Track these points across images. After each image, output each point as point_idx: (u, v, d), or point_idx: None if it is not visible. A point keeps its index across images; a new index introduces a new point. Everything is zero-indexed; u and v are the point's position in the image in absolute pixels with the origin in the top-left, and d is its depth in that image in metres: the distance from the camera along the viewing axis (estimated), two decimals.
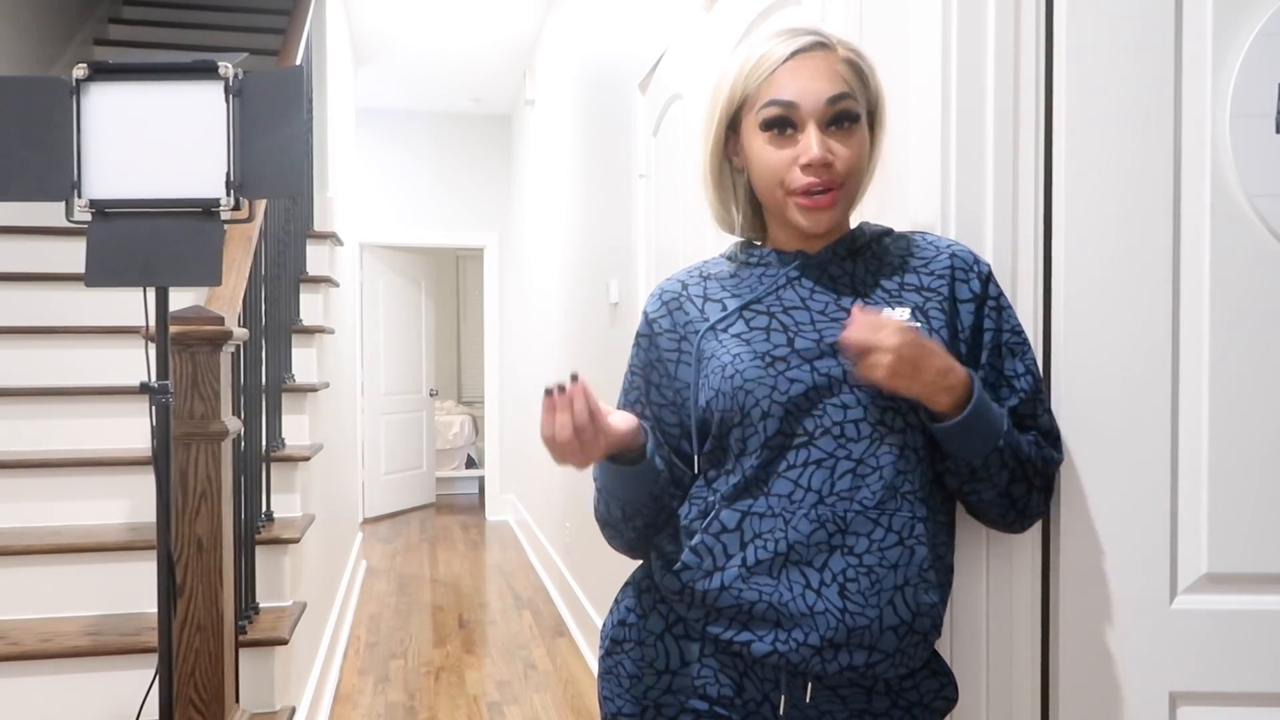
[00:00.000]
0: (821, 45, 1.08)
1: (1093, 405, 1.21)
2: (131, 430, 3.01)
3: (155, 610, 2.20)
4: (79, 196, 1.69)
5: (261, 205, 2.75)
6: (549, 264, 5.14)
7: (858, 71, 1.10)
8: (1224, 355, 1.20)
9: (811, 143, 1.06)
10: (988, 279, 1.14)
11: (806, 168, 1.06)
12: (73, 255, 3.40)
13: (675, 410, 1.17)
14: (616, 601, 1.23)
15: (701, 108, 1.18)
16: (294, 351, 3.28)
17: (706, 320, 1.15)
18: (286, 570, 2.70)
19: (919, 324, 1.09)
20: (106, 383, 3.06)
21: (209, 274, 1.72)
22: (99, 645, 2.31)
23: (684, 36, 2.50)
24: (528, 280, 6.01)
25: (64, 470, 2.76)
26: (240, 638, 2.34)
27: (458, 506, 7.87)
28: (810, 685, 1.09)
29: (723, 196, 1.19)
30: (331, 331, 3.86)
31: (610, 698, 1.19)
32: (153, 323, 1.77)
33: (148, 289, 1.77)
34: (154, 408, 1.75)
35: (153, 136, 1.69)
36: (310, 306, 3.60)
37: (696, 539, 1.10)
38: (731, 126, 1.14)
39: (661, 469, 1.14)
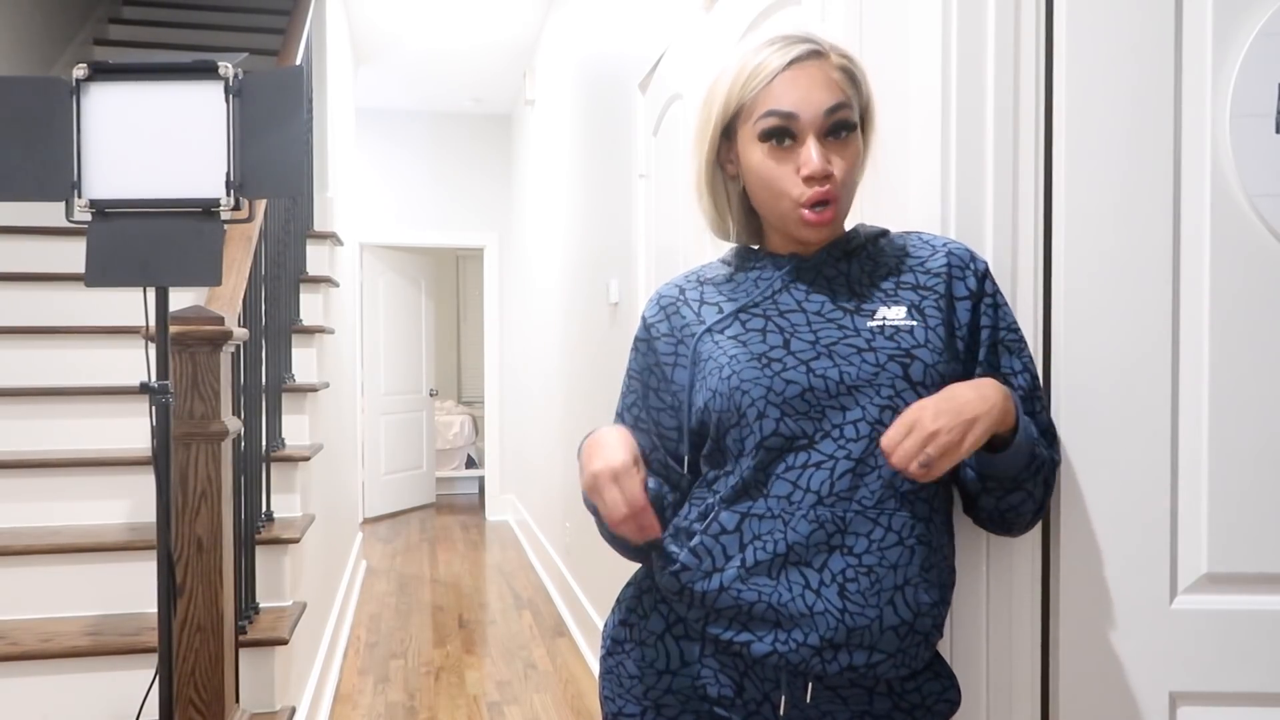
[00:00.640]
0: (817, 54, 1.08)
1: (1093, 405, 1.21)
2: (131, 430, 3.01)
3: (155, 610, 2.20)
4: (79, 196, 1.69)
5: (261, 205, 2.75)
6: (549, 264, 5.14)
7: (851, 77, 1.10)
8: (1224, 355, 1.20)
9: (812, 154, 1.06)
10: (984, 276, 1.14)
11: (809, 179, 1.06)
12: (73, 255, 3.40)
13: (673, 414, 1.17)
14: (618, 602, 1.23)
15: (694, 115, 1.18)
16: (294, 351, 3.28)
17: (703, 323, 1.15)
18: (286, 570, 2.70)
19: (915, 322, 1.09)
20: (106, 383, 3.06)
21: (209, 274, 1.72)
22: (99, 645, 2.31)
23: (684, 36, 2.49)
24: (528, 280, 6.01)
25: (64, 470, 2.76)
26: (240, 638, 2.34)
27: (458, 506, 7.87)
28: (810, 685, 1.09)
29: (718, 204, 1.19)
30: (331, 331, 3.86)
31: (611, 698, 1.19)
32: (153, 323, 1.77)
33: (148, 289, 1.77)
34: (154, 408, 1.75)
35: (153, 137, 1.69)
36: (310, 306, 3.60)
37: (696, 540, 1.10)
38: (725, 134, 1.14)
39: (660, 496, 1.16)
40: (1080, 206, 1.21)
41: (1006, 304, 1.15)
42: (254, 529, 2.53)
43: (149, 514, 2.77)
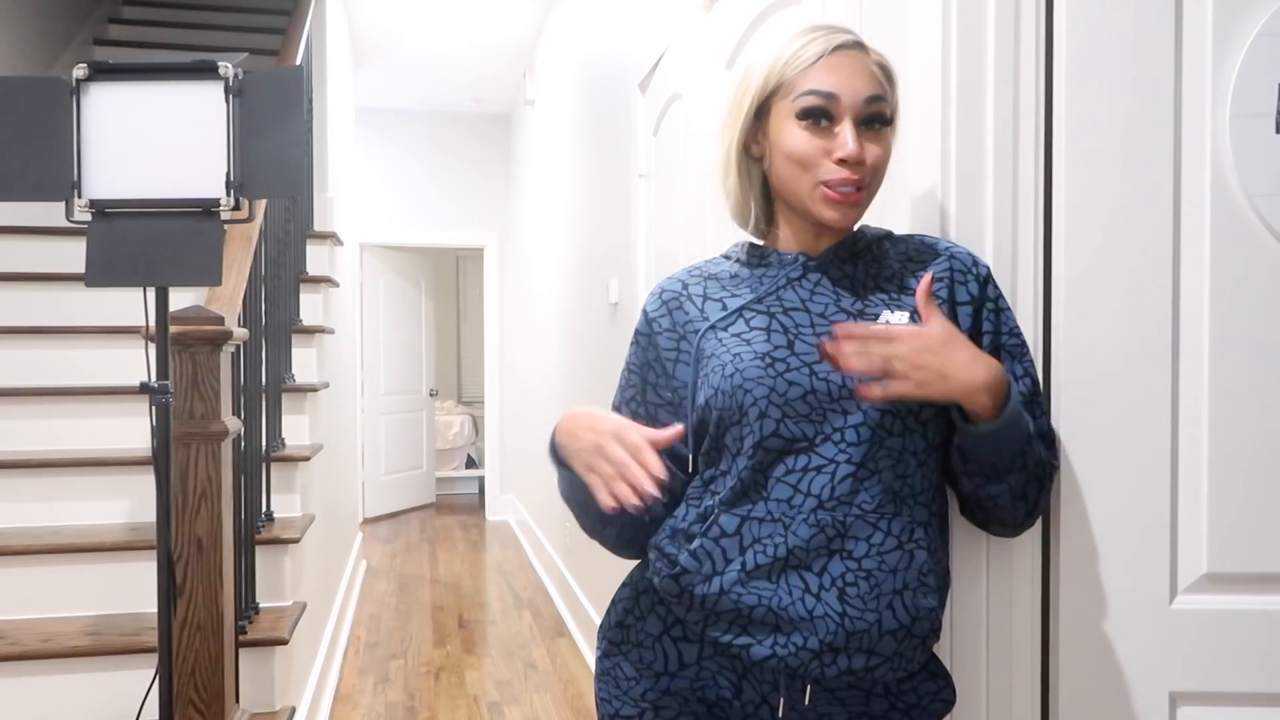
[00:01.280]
0: (860, 46, 1.10)
1: (1092, 405, 1.21)
2: (131, 430, 3.01)
3: (155, 610, 2.20)
4: (79, 196, 1.69)
5: (261, 205, 2.74)
6: (549, 264, 5.14)
7: (888, 76, 1.11)
8: (1224, 355, 1.20)
9: (848, 138, 1.06)
10: (986, 281, 1.14)
11: (841, 162, 1.06)
12: (73, 255, 3.40)
13: (672, 410, 1.17)
14: (614, 602, 1.23)
15: (728, 95, 1.17)
16: (294, 351, 3.28)
17: (706, 320, 1.15)
18: (286, 570, 2.69)
19: (917, 326, 1.09)
20: (107, 383, 3.06)
21: (209, 274, 1.72)
22: (99, 645, 2.31)
23: (684, 36, 2.49)
24: (528, 280, 6.01)
25: (64, 470, 2.76)
26: (240, 638, 2.34)
27: (458, 506, 7.87)
28: (809, 688, 1.09)
29: (742, 185, 1.17)
30: (331, 331, 3.86)
31: (608, 699, 1.18)
32: (153, 323, 1.77)
33: (148, 289, 1.77)
34: (154, 408, 1.75)
35: (153, 136, 1.69)
36: (310, 306, 3.60)
37: (696, 543, 1.10)
38: (757, 114, 1.13)
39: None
40: (1080, 206, 1.21)
41: (1009, 308, 1.15)
42: (254, 529, 2.53)
43: (149, 514, 2.77)
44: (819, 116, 1.07)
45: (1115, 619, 1.22)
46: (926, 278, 1.03)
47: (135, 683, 2.31)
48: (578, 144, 4.30)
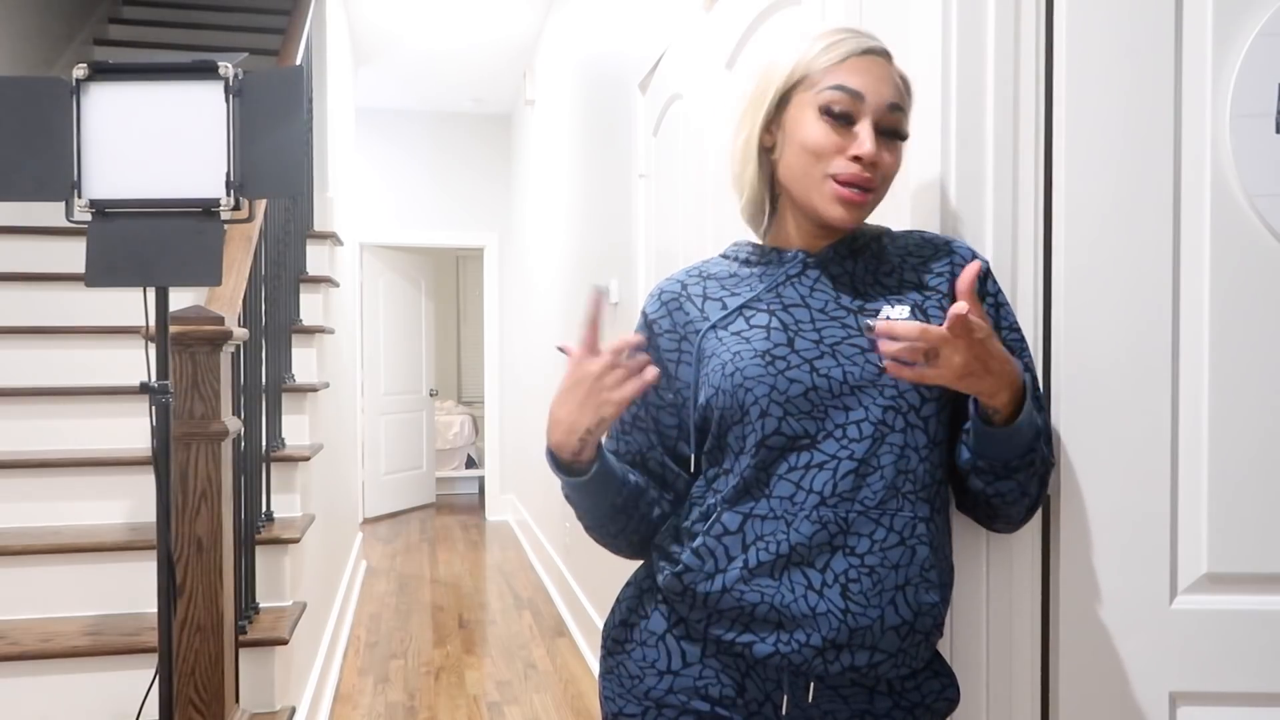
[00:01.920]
0: (887, 55, 1.10)
1: (1092, 404, 1.21)
2: (132, 430, 3.01)
3: (155, 610, 2.20)
4: (79, 196, 1.69)
5: (261, 205, 2.75)
6: (549, 264, 5.14)
7: (907, 90, 1.12)
8: (1224, 355, 1.20)
9: (867, 138, 1.06)
10: (986, 276, 1.14)
11: (856, 159, 1.06)
12: (73, 255, 3.40)
13: (674, 411, 1.17)
14: (618, 601, 1.23)
15: (750, 83, 1.17)
16: (294, 351, 3.28)
17: (707, 319, 1.15)
18: (286, 570, 2.69)
19: (919, 321, 1.09)
20: (107, 383, 3.06)
21: (209, 274, 1.72)
22: (99, 645, 2.31)
23: (684, 36, 2.49)
24: (528, 280, 6.01)
25: (64, 470, 2.76)
26: (240, 638, 2.34)
27: (458, 506, 7.87)
28: (812, 685, 1.09)
29: (760, 176, 1.16)
30: (331, 331, 3.86)
31: (612, 698, 1.19)
32: (153, 323, 1.77)
33: (148, 289, 1.77)
34: (154, 408, 1.75)
35: (153, 137, 1.69)
36: (310, 306, 3.60)
37: (698, 541, 1.10)
38: (776, 105, 1.13)
39: (621, 479, 1.14)
40: (1080, 205, 1.21)
41: (1008, 304, 1.15)
42: (254, 529, 2.53)
43: (149, 514, 2.77)
44: (841, 114, 1.07)
45: (1115, 619, 1.22)
46: (973, 267, 0.97)
47: (135, 683, 2.31)
48: (578, 144, 4.30)
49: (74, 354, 3.14)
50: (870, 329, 0.97)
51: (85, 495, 2.77)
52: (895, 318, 1.08)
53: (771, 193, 1.18)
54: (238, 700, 2.28)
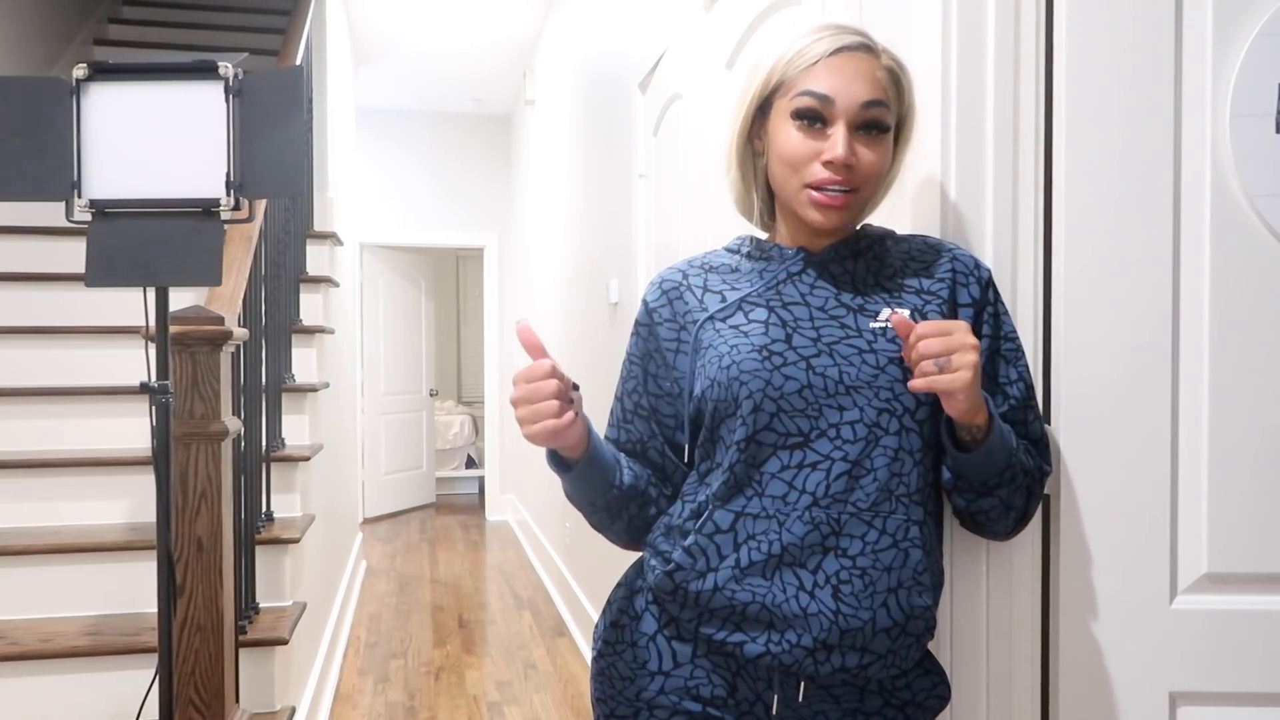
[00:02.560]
0: (866, 48, 1.08)
1: (1092, 405, 1.21)
2: (131, 430, 3.01)
3: (155, 610, 2.20)
4: (79, 196, 1.69)
5: (261, 205, 2.74)
6: (549, 264, 5.14)
7: (895, 81, 1.09)
8: (1224, 355, 1.20)
9: (838, 141, 1.05)
10: (988, 285, 1.14)
11: (828, 164, 1.06)
12: (73, 255, 3.40)
13: (672, 401, 1.17)
14: (609, 603, 1.23)
15: (735, 89, 1.18)
16: (294, 351, 3.28)
17: (705, 310, 1.15)
18: (286, 570, 2.69)
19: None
20: (107, 383, 3.06)
21: (209, 274, 1.72)
22: (99, 645, 2.31)
23: (684, 36, 2.49)
24: (528, 280, 6.01)
25: (64, 470, 2.76)
26: (240, 638, 2.34)
27: (458, 506, 7.87)
28: (803, 686, 1.09)
29: (744, 178, 1.18)
30: (331, 331, 3.86)
31: (603, 699, 1.19)
32: (153, 323, 1.77)
33: (148, 289, 1.77)
34: (154, 408, 1.75)
35: (153, 136, 1.69)
36: (310, 306, 3.60)
37: (690, 539, 1.10)
38: (761, 110, 1.14)
39: (610, 480, 1.14)
40: (1080, 206, 1.21)
41: (1007, 313, 1.15)
42: (254, 529, 2.53)
43: (149, 514, 2.77)
44: (813, 118, 1.07)
45: (1115, 619, 1.22)
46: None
47: (135, 683, 2.31)
48: (578, 144, 4.30)
49: (74, 354, 3.13)
50: (894, 319, 1.00)
51: (85, 495, 2.77)
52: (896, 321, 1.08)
53: (769, 192, 1.18)
54: (238, 700, 2.27)
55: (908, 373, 1.06)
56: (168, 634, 1.77)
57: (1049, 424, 1.23)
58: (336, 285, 4.06)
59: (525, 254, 6.16)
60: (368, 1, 5.03)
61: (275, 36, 4.62)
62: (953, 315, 1.12)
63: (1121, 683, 1.22)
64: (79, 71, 1.68)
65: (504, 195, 7.18)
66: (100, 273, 1.71)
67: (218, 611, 2.05)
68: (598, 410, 3.80)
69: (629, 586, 1.21)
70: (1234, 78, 1.20)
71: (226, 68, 1.69)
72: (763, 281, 1.15)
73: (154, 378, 1.76)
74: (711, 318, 1.14)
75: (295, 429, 3.17)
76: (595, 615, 3.88)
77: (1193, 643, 1.21)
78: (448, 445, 8.31)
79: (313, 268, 3.76)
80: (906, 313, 1.10)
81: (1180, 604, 1.22)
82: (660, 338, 1.18)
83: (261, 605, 2.62)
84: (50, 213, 3.49)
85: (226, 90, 1.69)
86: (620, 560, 1.29)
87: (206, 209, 1.70)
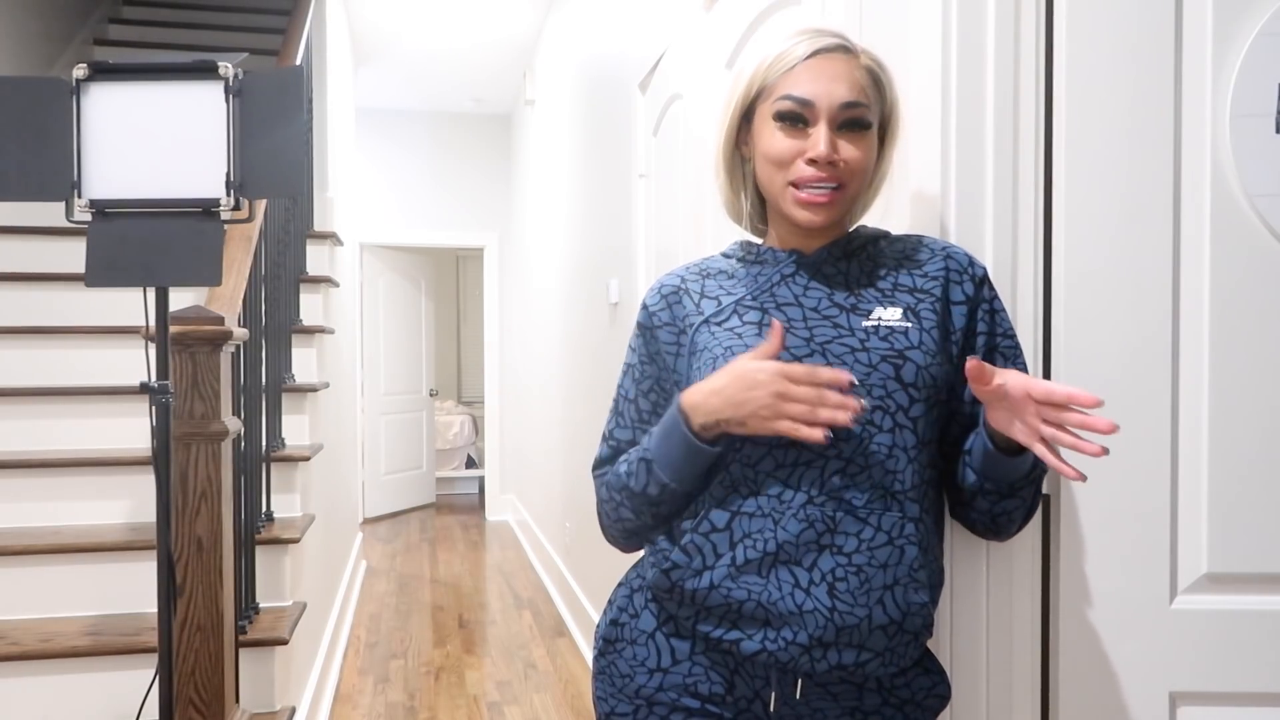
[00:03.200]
0: (844, 49, 1.10)
1: None
2: (131, 430, 3.01)
3: (155, 610, 2.20)
4: (79, 196, 1.69)
5: (261, 205, 2.74)
6: (549, 264, 5.14)
7: (876, 81, 1.11)
8: (1224, 355, 1.20)
9: (820, 139, 1.07)
10: (982, 282, 1.14)
11: (811, 162, 1.07)
12: (73, 255, 3.40)
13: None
14: (609, 603, 1.24)
15: (720, 96, 1.19)
16: (294, 351, 3.28)
17: (701, 314, 1.16)
18: (286, 570, 2.69)
19: (910, 324, 1.10)
20: (106, 383, 3.06)
21: (209, 274, 1.72)
22: (99, 645, 2.31)
23: (684, 36, 2.49)
24: (528, 280, 6.01)
25: (64, 470, 2.76)
26: (240, 638, 2.34)
27: (458, 506, 7.87)
28: (800, 683, 1.09)
29: (732, 184, 1.20)
30: (331, 331, 3.86)
31: (604, 697, 1.19)
32: (153, 323, 1.77)
33: (148, 289, 1.77)
34: (154, 408, 1.75)
35: (153, 136, 1.69)
36: (310, 306, 3.60)
37: (686, 538, 1.10)
38: (745, 116, 1.15)
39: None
40: (1080, 206, 1.21)
41: (1004, 310, 1.15)
42: (254, 529, 2.53)
43: (149, 514, 2.77)
44: (794, 120, 1.09)
45: (1115, 619, 1.22)
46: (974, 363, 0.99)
47: (135, 683, 2.31)
48: (578, 144, 4.30)
49: (74, 354, 3.14)
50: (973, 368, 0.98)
51: (85, 495, 2.77)
52: (887, 320, 1.09)
53: (759, 196, 1.19)
54: (238, 700, 2.28)
55: (899, 370, 1.06)
56: (168, 634, 1.77)
57: None
58: (336, 285, 4.06)
59: (525, 254, 6.16)
60: (368, 1, 5.03)
61: (275, 36, 4.62)
62: (945, 313, 1.12)
63: (1121, 682, 1.22)
64: (79, 71, 1.68)
65: (504, 195, 7.18)
66: (100, 273, 1.71)
67: (218, 611, 2.05)
68: (597, 410, 3.80)
69: (629, 586, 1.22)
70: (1234, 78, 1.20)
71: (226, 68, 1.69)
72: (757, 285, 1.15)
73: (154, 378, 1.76)
74: (706, 321, 1.15)
75: (295, 429, 3.17)
76: (595, 615, 3.88)
77: (1193, 643, 1.21)
78: (448, 445, 8.31)
79: (313, 268, 3.76)
80: (900, 311, 1.10)
81: (1180, 604, 1.22)
82: (660, 340, 1.19)
83: (261, 605, 2.62)
84: (50, 213, 3.50)
85: (226, 90, 1.69)
86: (620, 560, 1.30)
87: (206, 209, 1.70)
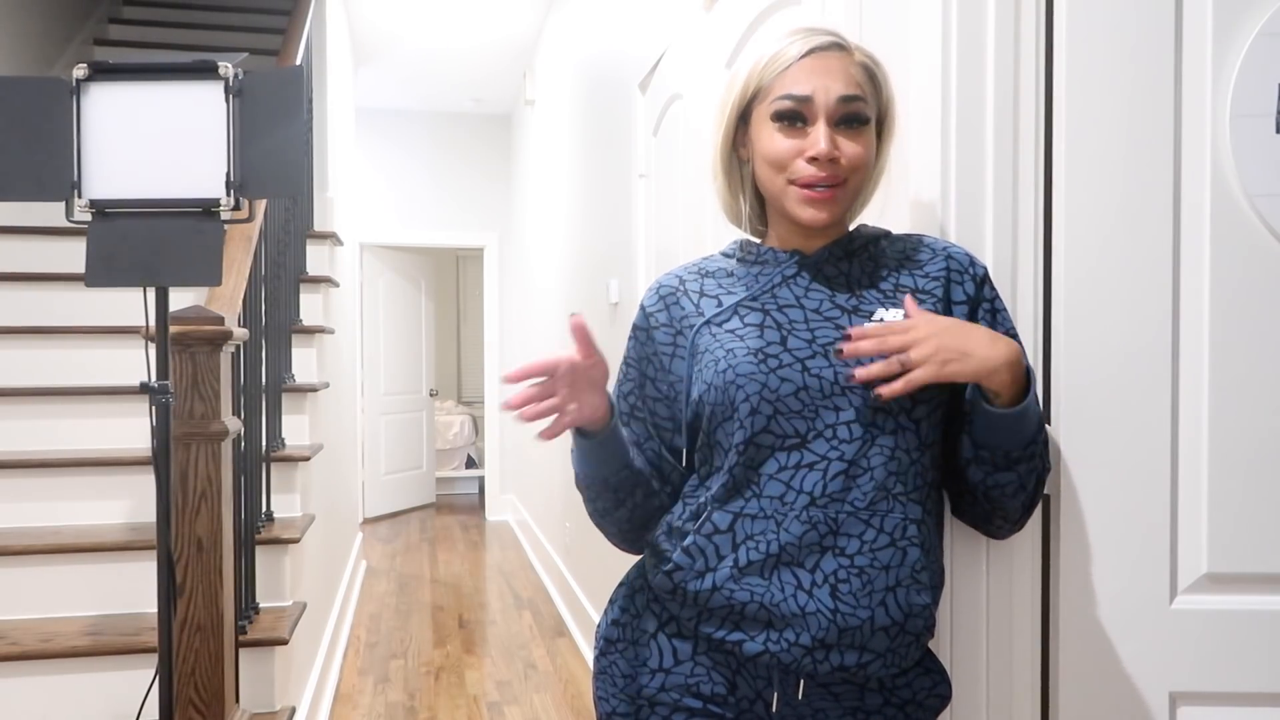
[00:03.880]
0: (839, 47, 1.10)
1: (1093, 404, 1.21)
2: (131, 430, 3.01)
3: (155, 610, 2.20)
4: (79, 196, 1.69)
5: (261, 205, 2.74)
6: (549, 264, 5.14)
7: (871, 77, 1.11)
8: (1224, 355, 1.20)
9: (820, 137, 1.07)
10: (983, 282, 1.14)
11: (812, 160, 1.07)
12: (73, 255, 3.40)
13: (669, 404, 1.17)
14: (611, 602, 1.24)
15: (716, 99, 1.19)
16: (294, 351, 3.28)
17: (702, 315, 1.16)
18: (286, 570, 2.69)
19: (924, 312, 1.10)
20: (106, 383, 3.06)
21: (209, 274, 1.72)
22: (99, 645, 2.31)
23: (684, 36, 2.49)
24: (528, 280, 6.01)
25: (64, 470, 2.76)
26: (240, 638, 2.34)
27: (458, 506, 7.87)
28: (802, 684, 1.09)
29: (730, 186, 1.20)
30: (331, 331, 3.86)
31: (605, 698, 1.19)
32: (153, 323, 1.77)
33: (148, 289, 1.77)
34: (154, 408, 1.75)
35: (153, 136, 1.69)
36: (310, 306, 3.60)
37: (689, 539, 1.10)
38: (742, 118, 1.15)
39: (622, 460, 1.15)
40: (1080, 207, 1.21)
41: (1005, 310, 1.15)
42: (254, 529, 2.53)
43: (149, 514, 2.77)
44: (793, 119, 1.09)
45: (1115, 619, 1.22)
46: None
47: (135, 683, 2.31)
48: (578, 144, 4.30)
49: (74, 354, 3.13)
50: (839, 352, 1.04)
51: (85, 495, 2.77)
52: (889, 321, 1.09)
53: (759, 197, 1.19)
54: (238, 700, 2.27)
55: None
56: (168, 634, 1.77)
57: (1049, 424, 1.23)
58: (336, 285, 4.06)
59: (525, 254, 6.16)
60: (368, 1, 5.03)
61: (275, 36, 4.62)
62: (947, 313, 1.12)
63: (1122, 682, 1.22)
64: (79, 71, 1.68)
65: (504, 195, 7.18)
66: (100, 273, 1.71)
67: (218, 611, 2.05)
68: None
69: (630, 585, 1.22)
70: (1234, 78, 1.20)
71: (226, 68, 1.69)
72: (758, 285, 1.15)
73: (154, 378, 1.76)
74: (708, 322, 1.14)
75: (295, 429, 3.17)
76: (595, 615, 3.88)
77: (1193, 643, 1.21)
78: (448, 445, 8.31)
79: (313, 268, 3.76)
80: (901, 314, 1.10)
81: (1180, 604, 1.22)
82: (657, 342, 1.18)
83: (261, 605, 2.62)
84: (50, 213, 3.49)
85: (226, 90, 1.69)
86: (620, 560, 1.30)
87: (207, 209, 1.70)
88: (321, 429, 3.49)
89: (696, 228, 2.35)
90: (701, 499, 1.12)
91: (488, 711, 3.44)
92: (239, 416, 2.35)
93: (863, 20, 1.46)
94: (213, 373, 2.05)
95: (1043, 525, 1.25)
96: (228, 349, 2.13)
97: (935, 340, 1.02)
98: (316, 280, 3.64)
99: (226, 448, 2.10)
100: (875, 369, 1.03)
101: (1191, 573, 1.22)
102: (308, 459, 3.02)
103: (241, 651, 2.35)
